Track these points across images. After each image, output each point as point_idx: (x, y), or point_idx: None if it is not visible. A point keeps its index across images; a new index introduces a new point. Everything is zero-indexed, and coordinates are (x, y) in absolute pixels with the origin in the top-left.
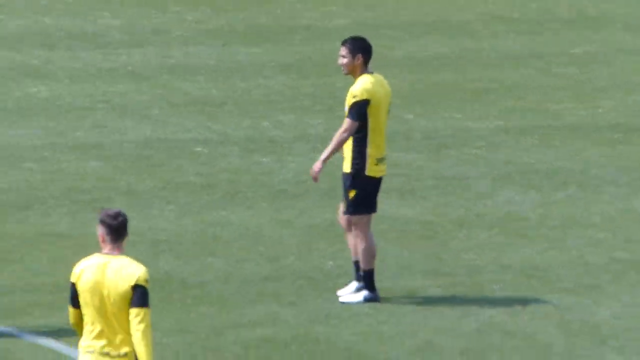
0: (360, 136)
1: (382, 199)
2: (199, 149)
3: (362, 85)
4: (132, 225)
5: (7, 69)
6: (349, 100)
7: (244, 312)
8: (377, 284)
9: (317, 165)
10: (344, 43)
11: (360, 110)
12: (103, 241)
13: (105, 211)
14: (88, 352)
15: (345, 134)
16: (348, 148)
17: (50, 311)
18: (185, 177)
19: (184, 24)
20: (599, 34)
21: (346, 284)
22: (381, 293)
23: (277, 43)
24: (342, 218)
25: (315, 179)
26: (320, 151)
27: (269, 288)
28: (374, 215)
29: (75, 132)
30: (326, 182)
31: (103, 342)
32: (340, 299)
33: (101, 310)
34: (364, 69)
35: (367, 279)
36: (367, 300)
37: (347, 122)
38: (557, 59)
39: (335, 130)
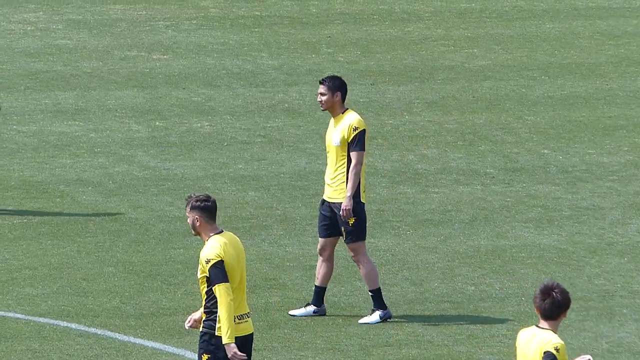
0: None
1: (521, 228)
2: None
3: (356, 117)
4: (288, 252)
5: (172, 106)
6: (350, 133)
7: (390, 332)
8: (517, 307)
9: (349, 204)
10: (322, 82)
11: (363, 139)
12: (201, 225)
13: (196, 198)
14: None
15: (359, 166)
16: (340, 179)
17: None
18: None
19: (336, 64)
20: None
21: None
22: (520, 316)
23: (422, 82)
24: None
25: (348, 216)
26: (463, 183)
27: (414, 310)
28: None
29: (236, 164)
30: (469, 212)
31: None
32: (360, 321)
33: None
34: (342, 105)
35: (378, 299)
36: (383, 318)
37: (357, 155)
38: None
39: (476, 163)
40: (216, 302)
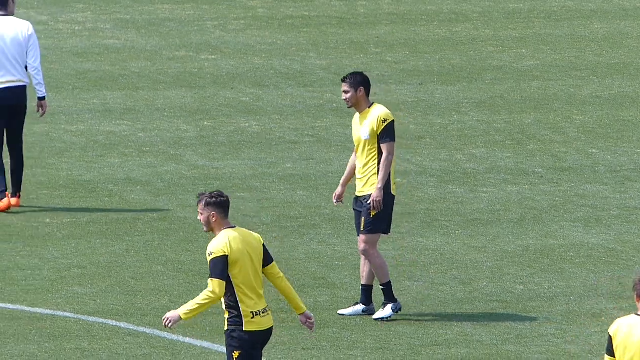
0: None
1: (569, 228)
2: (398, 179)
3: (384, 110)
4: (336, 251)
5: (220, 106)
6: (380, 126)
7: (439, 332)
8: (565, 306)
9: (380, 195)
10: (344, 80)
11: (393, 130)
12: (216, 221)
13: (210, 194)
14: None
15: (391, 157)
16: (370, 172)
17: None
18: None
19: (384, 65)
20: None
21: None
22: (568, 315)
23: (470, 82)
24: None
25: (378, 208)
26: (511, 182)
27: (463, 310)
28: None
29: (284, 163)
30: (518, 211)
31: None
32: (374, 317)
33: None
34: (367, 99)
35: (389, 292)
36: (395, 311)
37: (388, 146)
38: None
39: (524, 162)
40: (236, 297)
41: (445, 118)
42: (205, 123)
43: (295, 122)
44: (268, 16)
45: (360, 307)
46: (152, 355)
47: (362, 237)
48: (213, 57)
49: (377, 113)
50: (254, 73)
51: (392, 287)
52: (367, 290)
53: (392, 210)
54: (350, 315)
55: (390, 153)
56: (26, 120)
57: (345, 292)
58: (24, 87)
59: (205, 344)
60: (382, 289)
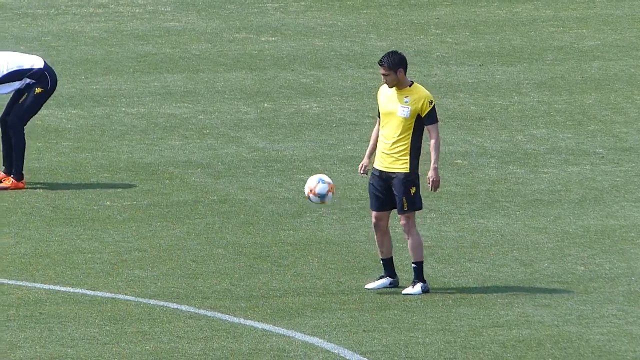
0: (417, 137)
1: (630, 208)
2: (459, 160)
3: (427, 91)
4: (397, 232)
5: (281, 87)
6: (426, 107)
7: (500, 313)
8: (627, 287)
9: (436, 175)
10: (381, 63)
11: (436, 112)
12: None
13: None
14: None
15: (439, 138)
16: (402, 149)
17: (321, 312)
18: (446, 187)
19: (444, 45)
20: None
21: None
22: (630, 296)
23: (531, 62)
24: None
25: (436, 187)
26: (572, 163)
27: (523, 290)
28: None
29: (345, 145)
30: (579, 192)
31: None
32: (403, 291)
33: None
34: (406, 78)
35: (421, 271)
36: (424, 290)
37: (436, 127)
38: None
39: (585, 143)
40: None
41: (506, 99)
42: (266, 105)
43: (355, 104)
44: None
45: (386, 281)
46: (213, 338)
47: (406, 214)
48: (273, 38)
49: (425, 95)
50: (314, 55)
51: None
52: (388, 263)
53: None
54: (377, 288)
55: (438, 134)
56: (88, 103)
57: (406, 274)
58: None
59: (267, 327)
60: (414, 267)
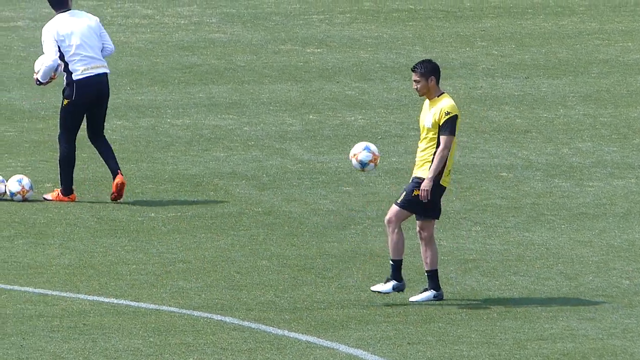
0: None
1: None
2: (504, 173)
3: (450, 102)
4: (442, 245)
5: (326, 99)
6: (441, 118)
7: (545, 326)
8: None
9: (428, 185)
10: (414, 70)
11: (454, 125)
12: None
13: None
14: None
15: (446, 151)
16: (427, 158)
17: (365, 325)
18: (492, 200)
19: (490, 58)
20: None
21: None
22: None
23: (576, 75)
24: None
25: (425, 197)
26: (617, 176)
27: (568, 304)
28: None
29: (390, 157)
30: (624, 205)
31: None
32: (411, 299)
33: None
34: (438, 88)
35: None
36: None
37: (446, 139)
38: None
39: (630, 156)
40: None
41: (552, 112)
42: (311, 117)
43: (400, 116)
44: (374, 9)
45: (431, 293)
46: (257, 350)
47: (394, 207)
48: (319, 50)
49: (443, 105)
50: (359, 67)
51: (402, 267)
52: (433, 275)
53: (440, 198)
54: (421, 301)
55: (446, 147)
56: (133, 114)
57: (450, 287)
58: (107, 74)
59: (311, 339)
60: (391, 265)
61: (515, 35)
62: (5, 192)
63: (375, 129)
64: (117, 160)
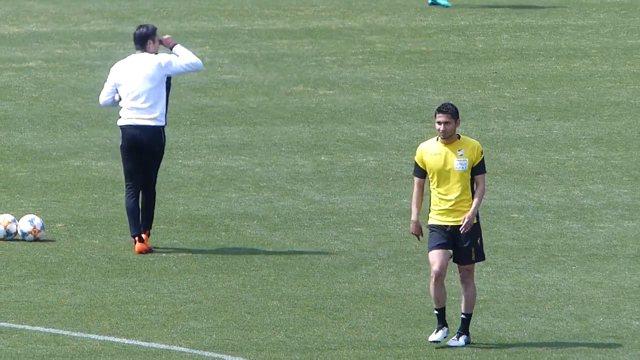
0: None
1: None
2: (515, 215)
3: (477, 142)
4: (453, 285)
5: (338, 141)
6: (478, 157)
7: None
8: None
9: (472, 216)
10: (444, 111)
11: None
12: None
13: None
14: None
15: (484, 188)
16: (468, 202)
17: None
18: (503, 241)
19: (502, 100)
20: None
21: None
22: None
23: (588, 118)
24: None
25: (467, 228)
26: (628, 218)
27: (579, 345)
28: None
29: (401, 198)
30: (635, 247)
31: None
32: (449, 343)
33: None
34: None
35: (468, 324)
36: (467, 343)
37: (484, 177)
38: None
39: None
40: None
41: (563, 154)
42: (323, 158)
43: (412, 158)
44: (386, 51)
45: (445, 330)
46: None
47: (471, 266)
48: (331, 92)
49: (477, 144)
50: (371, 108)
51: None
52: (466, 320)
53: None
54: (439, 340)
55: (484, 185)
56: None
57: (457, 328)
58: (153, 127)
59: None
60: (464, 318)
61: (527, 77)
62: (17, 232)
63: (387, 170)
64: (151, 219)
